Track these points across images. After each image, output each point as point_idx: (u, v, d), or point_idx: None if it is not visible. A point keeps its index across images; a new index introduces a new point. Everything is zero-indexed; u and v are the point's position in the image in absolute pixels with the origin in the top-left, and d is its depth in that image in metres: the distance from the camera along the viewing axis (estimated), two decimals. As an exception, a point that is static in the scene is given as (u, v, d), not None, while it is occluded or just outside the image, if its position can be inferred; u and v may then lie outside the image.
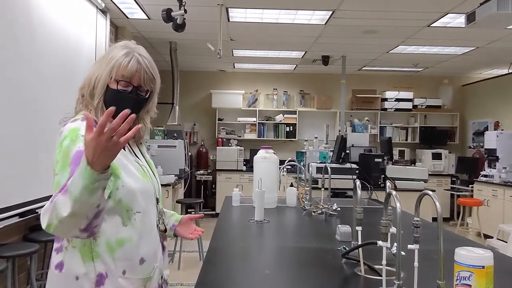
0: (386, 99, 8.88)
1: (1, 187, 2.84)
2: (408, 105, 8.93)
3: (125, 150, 1.43)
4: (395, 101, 8.86)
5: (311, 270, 1.84)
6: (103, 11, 4.85)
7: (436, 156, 8.62)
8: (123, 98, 1.39)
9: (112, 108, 1.12)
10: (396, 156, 8.45)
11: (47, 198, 3.49)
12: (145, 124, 1.52)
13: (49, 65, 3.54)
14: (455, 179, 8.57)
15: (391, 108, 8.89)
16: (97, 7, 4.64)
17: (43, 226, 1.20)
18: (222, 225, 2.75)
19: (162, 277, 1.51)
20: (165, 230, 1.58)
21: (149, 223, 1.44)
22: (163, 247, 1.53)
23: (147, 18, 5.40)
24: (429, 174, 5.79)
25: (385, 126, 9.07)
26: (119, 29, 5.76)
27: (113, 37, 5.58)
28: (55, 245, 1.37)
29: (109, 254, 1.32)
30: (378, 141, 8.31)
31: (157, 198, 1.52)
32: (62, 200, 1.15)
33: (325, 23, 5.52)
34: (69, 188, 1.14)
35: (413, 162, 8.78)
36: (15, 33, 3.03)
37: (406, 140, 9.12)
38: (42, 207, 3.34)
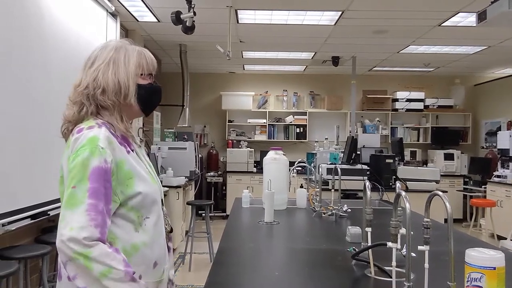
0: (397, 100, 8.81)
1: (13, 189, 2.87)
2: (420, 106, 8.85)
3: (133, 152, 1.46)
4: (406, 101, 8.79)
5: (321, 271, 1.83)
6: (113, 14, 4.88)
7: (448, 157, 8.53)
8: (156, 89, 1.52)
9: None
10: (407, 157, 8.38)
11: (58, 200, 3.48)
12: None
13: (59, 68, 3.57)
14: (467, 179, 8.47)
15: (402, 109, 8.82)
16: (107, 10, 4.67)
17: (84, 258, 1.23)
18: (232, 227, 2.74)
19: (169, 277, 1.54)
20: (171, 231, 1.60)
21: (159, 226, 1.47)
22: (168, 248, 1.56)
23: (156, 21, 5.43)
24: (441, 175, 5.72)
25: (396, 127, 9.00)
26: (129, 32, 5.80)
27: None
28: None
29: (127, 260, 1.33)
30: (389, 141, 8.25)
31: (161, 199, 1.54)
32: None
33: (335, 24, 5.50)
34: None
35: (425, 162, 8.70)
36: (26, 36, 3.06)
37: (418, 140, 9.04)
38: (53, 209, 3.37)
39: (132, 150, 1.46)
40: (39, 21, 3.24)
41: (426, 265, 1.32)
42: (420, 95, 8.87)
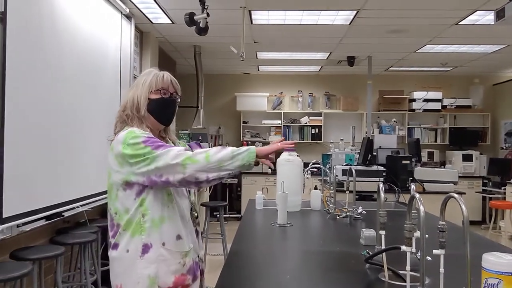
0: (414, 100, 8.69)
1: (28, 190, 2.89)
2: (437, 106, 8.72)
3: None
4: (423, 101, 8.67)
5: (334, 275, 1.79)
6: (128, 17, 4.90)
7: (467, 158, 8.38)
8: (166, 102, 1.84)
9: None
10: (425, 158, 8.26)
11: (74, 201, 3.51)
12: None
13: (74, 70, 3.60)
14: (487, 181, 8.31)
15: (419, 109, 8.70)
16: (121, 12, 4.69)
17: (192, 162, 1.63)
18: (245, 229, 2.72)
19: (198, 256, 1.87)
20: (197, 217, 1.91)
21: (182, 208, 1.79)
22: (197, 232, 1.88)
23: (171, 22, 5.44)
24: (460, 176, 5.62)
25: (413, 127, 8.88)
26: (144, 34, 5.83)
27: (138, 42, 5.65)
28: (110, 234, 1.78)
29: (154, 228, 1.70)
30: (406, 142, 8.14)
31: (189, 191, 1.90)
32: (218, 155, 1.64)
33: (350, 23, 5.45)
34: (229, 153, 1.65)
35: (442, 164, 8.57)
36: (40, 39, 3.09)
37: (435, 141, 8.91)
38: (68, 210, 3.39)
39: None
40: (53, 23, 3.26)
41: (442, 270, 1.28)
42: (437, 95, 8.73)
